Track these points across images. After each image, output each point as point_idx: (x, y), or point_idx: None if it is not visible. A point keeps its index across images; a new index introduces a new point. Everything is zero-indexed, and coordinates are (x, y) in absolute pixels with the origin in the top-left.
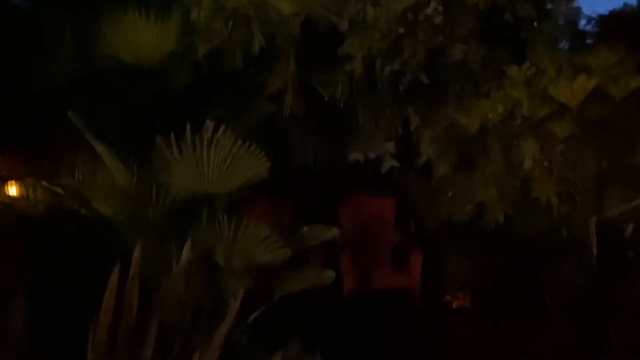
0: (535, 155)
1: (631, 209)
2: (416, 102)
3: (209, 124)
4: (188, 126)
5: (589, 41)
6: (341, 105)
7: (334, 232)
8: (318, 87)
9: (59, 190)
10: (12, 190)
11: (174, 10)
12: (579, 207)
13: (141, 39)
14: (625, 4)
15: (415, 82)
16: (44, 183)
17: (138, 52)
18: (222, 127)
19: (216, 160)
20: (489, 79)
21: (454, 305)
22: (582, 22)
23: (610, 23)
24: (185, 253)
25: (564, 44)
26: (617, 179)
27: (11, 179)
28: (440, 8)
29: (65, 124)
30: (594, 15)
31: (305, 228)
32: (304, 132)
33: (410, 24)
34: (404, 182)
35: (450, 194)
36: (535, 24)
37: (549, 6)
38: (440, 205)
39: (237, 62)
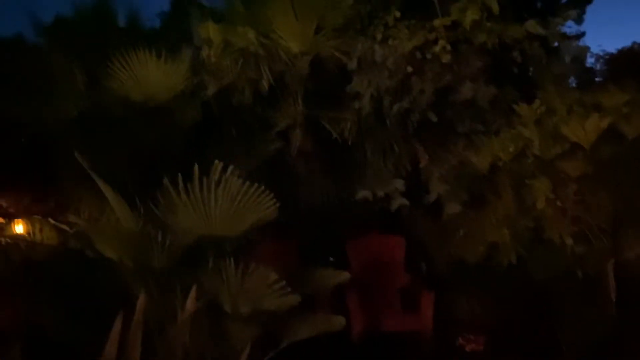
0: (548, 194)
1: None
2: (425, 140)
3: (217, 165)
4: (196, 167)
5: (598, 79)
6: (349, 143)
7: (344, 276)
8: (326, 124)
9: (65, 228)
10: (19, 228)
11: (184, 48)
12: (594, 248)
13: (151, 77)
14: (635, 42)
15: (424, 120)
16: (51, 221)
17: (147, 91)
18: (230, 168)
19: (224, 203)
20: (499, 117)
21: (467, 349)
22: (591, 60)
23: (619, 61)
24: (191, 300)
25: (572, 82)
26: (633, 220)
27: (18, 217)
28: (448, 47)
29: (73, 162)
30: (601, 54)
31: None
32: (312, 169)
33: (418, 63)
34: (413, 221)
35: (461, 233)
36: (544, 62)
37: (557, 44)
38: (451, 245)
39: (246, 99)
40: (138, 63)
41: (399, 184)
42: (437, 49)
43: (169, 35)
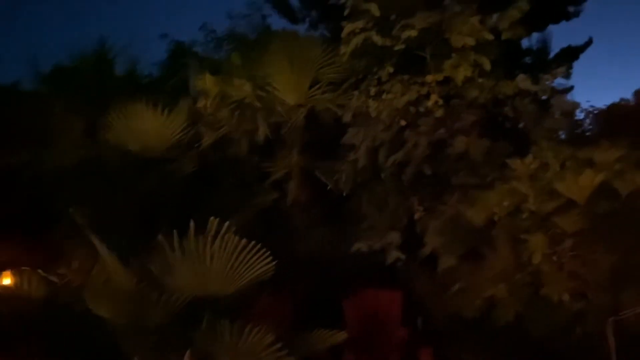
0: (544, 250)
1: None
2: (420, 192)
3: (213, 221)
4: (192, 224)
5: (588, 133)
6: (345, 195)
7: (341, 337)
8: (322, 175)
9: (55, 280)
10: (7, 280)
11: (182, 99)
12: (593, 305)
13: (148, 128)
14: (622, 99)
15: (418, 173)
16: (40, 272)
17: (144, 141)
18: (226, 224)
19: (219, 261)
20: (493, 171)
21: None
22: (580, 114)
23: (608, 117)
24: None
25: (563, 136)
26: (632, 276)
27: (6, 268)
28: (440, 102)
29: (66, 213)
30: (590, 109)
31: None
32: (308, 221)
33: (412, 117)
34: (409, 275)
35: (457, 287)
36: (536, 117)
37: (546, 98)
38: (448, 299)
39: (242, 150)
40: (135, 114)
41: (395, 237)
42: (430, 103)
43: (166, 84)
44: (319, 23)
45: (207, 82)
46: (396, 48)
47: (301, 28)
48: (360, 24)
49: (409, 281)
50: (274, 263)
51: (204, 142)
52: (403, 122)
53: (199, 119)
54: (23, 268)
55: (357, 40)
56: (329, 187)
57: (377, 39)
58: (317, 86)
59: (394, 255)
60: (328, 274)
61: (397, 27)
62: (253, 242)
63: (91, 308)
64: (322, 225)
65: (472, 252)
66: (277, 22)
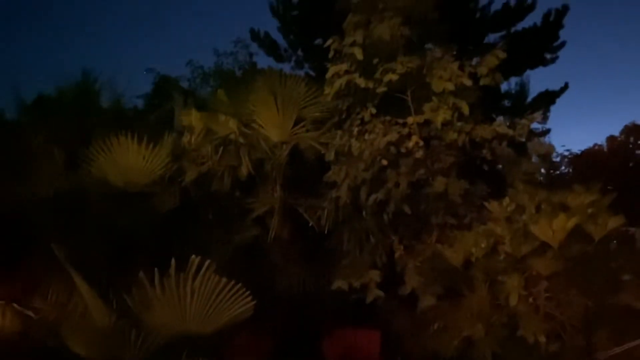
0: (520, 291)
1: (624, 351)
2: (400, 231)
3: (194, 259)
4: (173, 261)
5: (564, 175)
6: (326, 232)
7: None
8: (303, 212)
9: (31, 314)
10: None
11: (166, 134)
12: (567, 346)
13: (131, 162)
14: (595, 144)
15: (399, 211)
16: (15, 306)
17: (127, 175)
18: (207, 262)
19: (199, 300)
20: (470, 211)
21: None
22: (557, 158)
23: (583, 162)
24: None
25: (540, 178)
26: (605, 318)
27: None
28: (421, 143)
29: (44, 245)
30: (566, 153)
31: None
32: (289, 257)
33: (393, 157)
34: (389, 313)
35: (435, 327)
36: (513, 160)
37: (523, 141)
38: (427, 339)
39: (225, 186)
40: (118, 147)
41: (375, 275)
42: (410, 144)
43: (150, 117)
44: (304, 62)
45: (192, 117)
46: (378, 90)
47: (287, 66)
48: (344, 66)
49: (388, 320)
50: (253, 303)
51: (186, 177)
52: (384, 162)
53: (182, 154)
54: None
55: (340, 82)
56: (310, 224)
57: (360, 81)
58: (301, 124)
59: (373, 293)
60: (308, 311)
61: (379, 71)
62: (233, 282)
63: (67, 344)
64: (303, 262)
65: (451, 291)
66: (264, 60)
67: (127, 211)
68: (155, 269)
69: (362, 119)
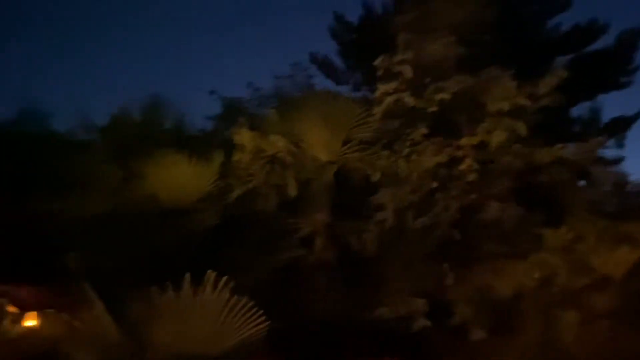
0: (576, 328)
1: None
2: (450, 258)
3: (210, 274)
4: (187, 276)
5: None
6: (370, 256)
7: None
8: (348, 235)
9: (79, 323)
10: (32, 322)
11: (215, 152)
12: None
13: (179, 179)
14: None
15: (447, 238)
16: (64, 315)
17: (175, 192)
18: (223, 279)
19: (205, 318)
20: (524, 241)
21: None
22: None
23: None
24: None
25: (607, 208)
26: None
27: (33, 309)
28: (474, 166)
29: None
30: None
31: None
32: (330, 280)
33: (443, 179)
34: (436, 344)
35: None
36: (574, 187)
37: (591, 169)
38: None
39: (270, 205)
40: (169, 164)
41: (421, 304)
42: (463, 167)
43: (213, 138)
44: (362, 85)
45: (243, 136)
46: (429, 110)
47: (345, 89)
48: (393, 85)
49: (435, 352)
50: (266, 324)
51: (232, 195)
52: (433, 184)
53: (229, 171)
54: (47, 310)
55: (389, 101)
56: (355, 248)
57: (410, 100)
58: (349, 145)
59: (420, 323)
60: (347, 340)
61: (430, 90)
62: (244, 300)
63: (71, 355)
64: (345, 287)
65: (503, 325)
66: (323, 83)
67: (171, 227)
68: (168, 283)
69: (412, 140)
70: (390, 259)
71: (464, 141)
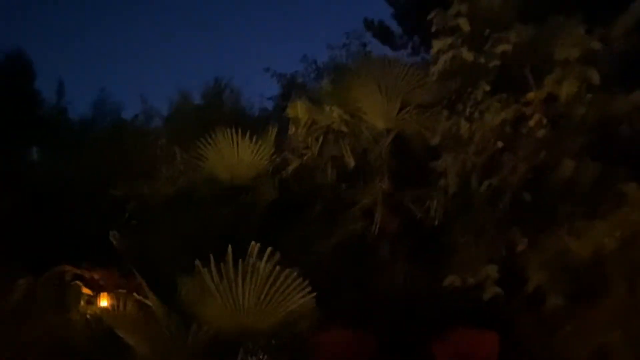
0: None
1: None
2: (521, 222)
3: (254, 246)
4: (229, 249)
5: None
6: (436, 224)
7: None
8: (411, 204)
9: (149, 303)
10: (104, 302)
11: (270, 128)
12: None
13: (237, 157)
14: None
15: (517, 200)
16: (135, 295)
17: (233, 170)
18: (267, 250)
19: (252, 290)
20: (603, 198)
21: None
22: None
23: None
24: None
25: None
26: None
27: (106, 290)
28: (544, 121)
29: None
30: None
31: None
32: (395, 252)
33: (509, 138)
34: (509, 314)
35: (565, 331)
36: None
37: None
38: (554, 344)
39: (328, 178)
40: (227, 144)
41: (492, 271)
42: (531, 123)
43: (269, 115)
44: (420, 48)
45: (298, 109)
46: (491, 65)
47: (403, 54)
48: (449, 40)
49: (508, 321)
50: (313, 295)
51: (288, 170)
52: (499, 144)
53: (286, 146)
54: (120, 291)
55: (446, 58)
56: (418, 217)
57: (469, 55)
58: (406, 109)
59: (491, 291)
60: (416, 310)
61: (490, 43)
62: (288, 270)
63: (121, 334)
64: (411, 257)
65: (583, 291)
66: (378, 50)
67: (231, 205)
68: (211, 257)
69: (474, 99)
70: (456, 226)
71: (530, 96)
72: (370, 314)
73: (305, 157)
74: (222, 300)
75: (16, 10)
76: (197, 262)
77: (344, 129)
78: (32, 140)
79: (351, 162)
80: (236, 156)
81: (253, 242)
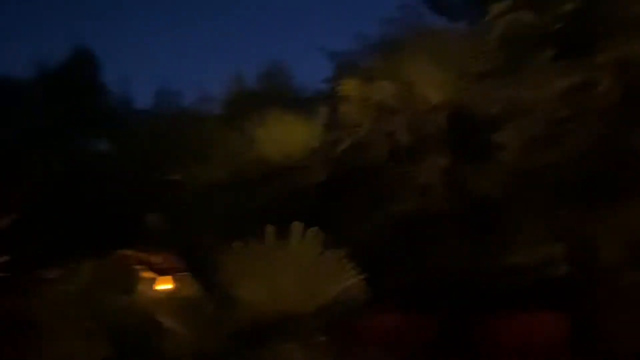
0: None
1: None
2: (590, 195)
3: (297, 226)
4: (269, 228)
5: None
6: (497, 200)
7: None
8: (470, 179)
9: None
10: (168, 285)
11: (322, 106)
12: None
13: (288, 136)
14: None
15: (586, 172)
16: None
17: (284, 150)
18: (310, 230)
19: (295, 272)
20: None
21: None
22: None
23: None
24: None
25: None
26: None
27: (167, 274)
28: (614, 86)
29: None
30: None
31: None
32: (453, 230)
33: (576, 106)
34: (579, 293)
35: None
36: None
37: None
38: (632, 324)
39: (381, 154)
40: (276, 123)
41: (559, 248)
42: (600, 89)
43: (321, 94)
44: (478, 18)
45: (350, 86)
46: (554, 27)
47: (460, 25)
48: (509, 2)
49: (579, 301)
50: (361, 277)
51: (340, 147)
52: (564, 113)
53: (339, 124)
54: (181, 274)
55: (506, 21)
56: (478, 193)
57: (528, 17)
58: (464, 80)
59: (558, 269)
60: (476, 292)
61: (552, 1)
62: (333, 251)
63: (159, 318)
64: (470, 235)
65: None
66: (435, 22)
67: (280, 185)
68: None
69: (536, 65)
70: (519, 201)
71: (600, 58)
72: (426, 295)
73: (356, 135)
74: (259, 282)
75: (81, 6)
76: (235, 243)
77: (398, 104)
78: (99, 131)
79: (405, 138)
80: (287, 136)
81: (296, 223)
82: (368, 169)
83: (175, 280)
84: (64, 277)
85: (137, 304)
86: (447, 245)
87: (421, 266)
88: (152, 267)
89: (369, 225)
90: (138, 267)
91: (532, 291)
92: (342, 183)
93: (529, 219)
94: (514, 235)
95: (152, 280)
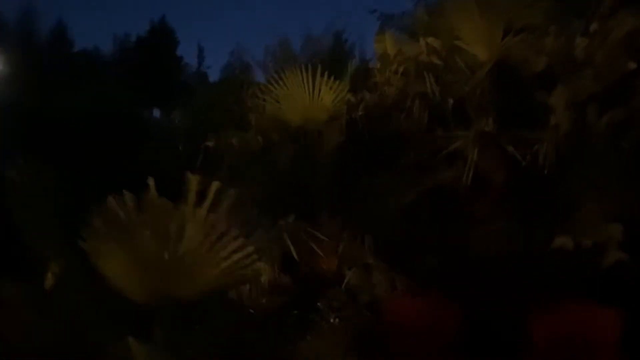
0: None
1: None
2: None
3: (214, 185)
4: (151, 182)
5: None
6: (545, 173)
7: None
8: (516, 147)
9: None
10: None
11: (348, 64)
12: None
13: (309, 97)
14: None
15: None
16: None
17: (306, 113)
18: (230, 191)
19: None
20: None
21: None
22: None
23: None
24: None
25: None
26: None
27: None
28: None
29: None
30: None
31: None
32: (491, 207)
33: None
34: (636, 285)
35: None
36: None
37: None
38: None
39: (414, 118)
40: (296, 84)
41: (616, 231)
42: None
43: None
44: None
45: (387, 42)
46: None
47: None
48: None
49: (635, 293)
50: (255, 257)
51: (359, 109)
52: (630, 65)
53: (368, 85)
54: None
55: None
56: (524, 164)
57: None
58: (512, 34)
59: (613, 256)
60: (514, 278)
61: None
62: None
63: None
64: (512, 213)
65: None
66: None
67: (299, 153)
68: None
69: (598, 12)
70: (571, 175)
71: None
72: (456, 279)
73: (384, 95)
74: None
75: None
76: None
77: (437, 61)
78: (175, 104)
79: (444, 100)
80: (309, 98)
81: (216, 182)
82: (401, 134)
83: None
84: None
85: None
86: (485, 224)
87: (453, 247)
88: None
89: (398, 200)
90: None
91: (579, 280)
92: (365, 149)
93: (582, 196)
94: (563, 215)
95: None
